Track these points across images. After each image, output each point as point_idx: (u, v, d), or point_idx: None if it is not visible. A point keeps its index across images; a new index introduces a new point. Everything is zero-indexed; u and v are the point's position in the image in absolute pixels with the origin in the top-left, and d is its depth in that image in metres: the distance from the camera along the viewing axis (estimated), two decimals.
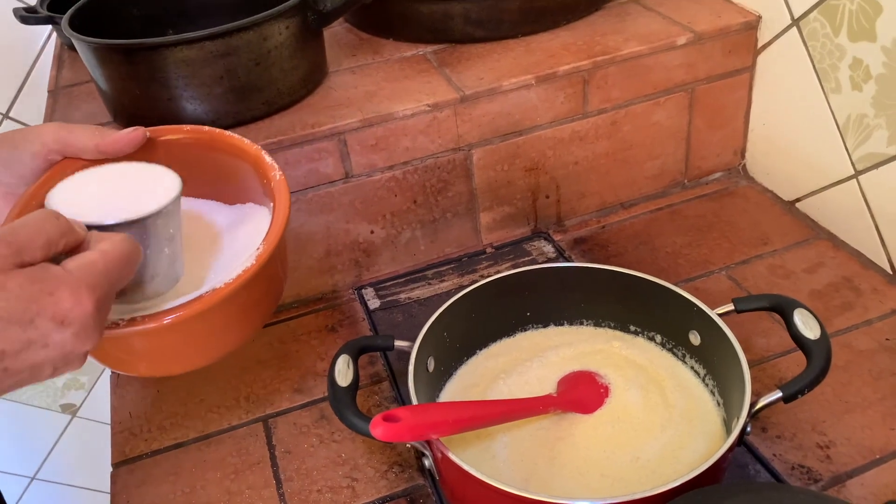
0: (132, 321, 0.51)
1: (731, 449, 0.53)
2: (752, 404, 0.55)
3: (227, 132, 0.63)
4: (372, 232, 0.84)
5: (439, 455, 0.55)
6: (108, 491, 0.67)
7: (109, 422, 0.74)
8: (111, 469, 0.69)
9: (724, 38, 0.88)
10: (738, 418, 0.55)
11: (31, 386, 1.65)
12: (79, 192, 0.52)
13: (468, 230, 0.89)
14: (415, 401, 0.58)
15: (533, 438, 0.61)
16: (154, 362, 0.58)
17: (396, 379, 0.75)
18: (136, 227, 0.49)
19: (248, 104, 0.77)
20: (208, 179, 0.63)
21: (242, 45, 0.73)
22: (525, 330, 0.71)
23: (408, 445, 0.67)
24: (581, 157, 0.89)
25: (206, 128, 0.63)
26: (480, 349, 0.70)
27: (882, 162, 0.77)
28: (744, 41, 0.89)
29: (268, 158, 0.61)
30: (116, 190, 0.53)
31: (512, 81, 0.81)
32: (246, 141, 0.62)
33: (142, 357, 0.57)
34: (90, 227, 0.47)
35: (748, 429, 0.56)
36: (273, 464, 0.68)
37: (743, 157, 0.98)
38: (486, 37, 0.88)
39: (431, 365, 0.65)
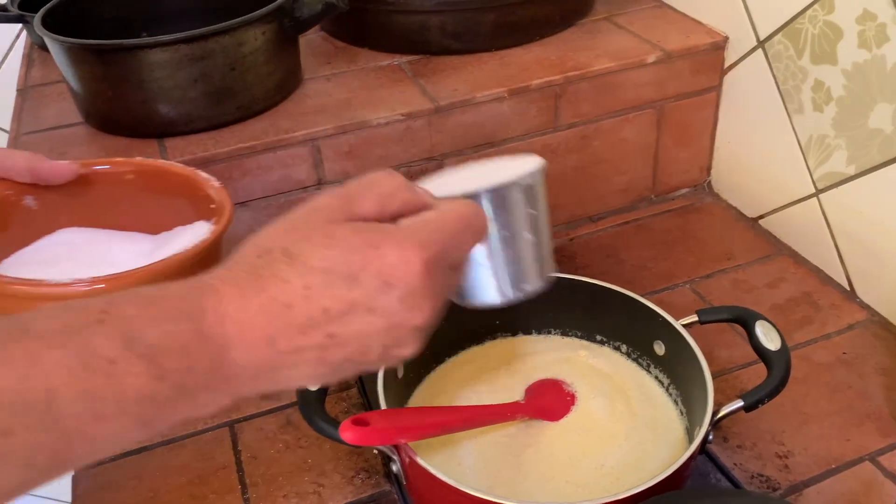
0: (78, 281, 0.50)
1: (693, 456, 0.54)
2: (714, 413, 0.56)
3: (161, 161, 0.65)
4: None
5: (407, 460, 0.56)
6: (66, 499, 0.66)
7: None
8: (72, 473, 0.68)
9: (693, 57, 0.90)
10: (700, 426, 0.56)
11: None
12: (447, 179, 0.48)
13: None
14: (384, 406, 0.58)
15: (499, 445, 0.62)
16: None
17: (365, 386, 0.75)
18: (487, 198, 0.43)
19: (223, 108, 0.77)
20: (136, 210, 0.64)
21: (218, 49, 0.73)
22: (494, 338, 0.72)
23: (375, 451, 0.67)
24: (551, 170, 0.89)
25: (138, 159, 0.64)
26: (450, 356, 0.70)
27: (841, 181, 0.80)
28: (711, 61, 0.91)
29: (203, 174, 0.63)
30: (481, 174, 0.49)
31: (485, 94, 0.82)
32: (178, 164, 0.64)
33: None
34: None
35: (710, 437, 0.57)
36: (238, 469, 0.68)
37: (709, 173, 1.00)
38: (460, 49, 0.89)
39: (401, 371, 0.65)
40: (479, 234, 0.42)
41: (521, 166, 0.47)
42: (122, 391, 0.30)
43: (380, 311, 0.36)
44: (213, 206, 0.61)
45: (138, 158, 0.65)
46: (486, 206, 0.43)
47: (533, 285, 0.47)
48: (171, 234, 0.64)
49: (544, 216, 0.47)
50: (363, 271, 0.36)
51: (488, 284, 0.45)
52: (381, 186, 0.39)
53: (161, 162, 0.66)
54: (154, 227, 0.65)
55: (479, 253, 0.44)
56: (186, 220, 0.64)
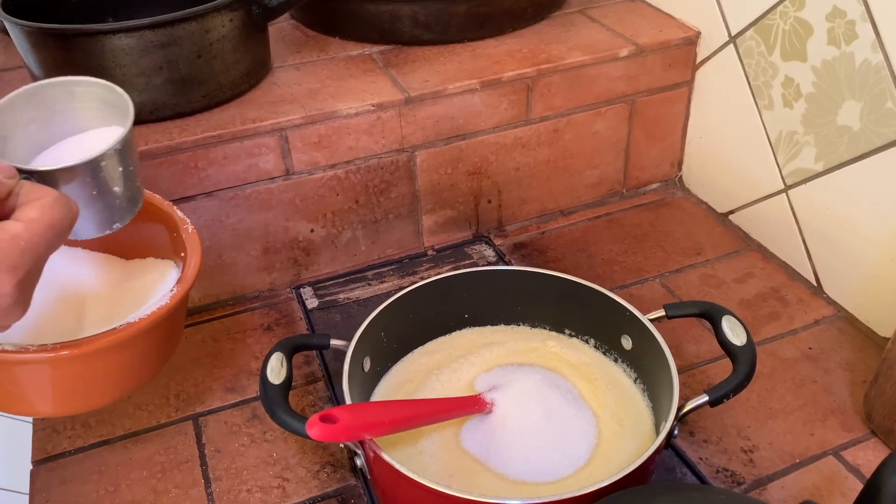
0: (42, 348, 0.50)
1: (658, 451, 0.54)
2: (680, 408, 0.56)
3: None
4: (312, 231, 0.84)
5: (371, 454, 0.55)
6: (26, 491, 0.65)
7: (30, 418, 0.72)
8: (31, 467, 0.67)
9: (665, 52, 0.90)
10: (665, 421, 0.56)
11: None
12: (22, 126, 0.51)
13: (410, 232, 0.89)
14: (349, 401, 0.57)
15: (463, 437, 0.61)
16: (51, 397, 0.56)
17: (332, 379, 0.74)
18: (75, 173, 0.47)
19: (189, 96, 0.75)
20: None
21: (184, 36, 0.72)
22: (461, 329, 0.72)
23: (341, 445, 0.67)
24: (523, 164, 0.90)
25: None
26: (417, 347, 0.70)
27: (810, 178, 0.80)
28: (683, 56, 0.91)
29: (179, 213, 0.62)
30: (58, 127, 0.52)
31: (457, 85, 0.82)
32: (158, 197, 0.63)
33: (40, 390, 0.55)
34: (24, 173, 0.44)
35: (675, 432, 0.57)
36: (202, 463, 0.67)
37: (680, 168, 1.00)
38: (432, 40, 0.88)
39: (367, 365, 0.64)
40: (69, 228, 0.43)
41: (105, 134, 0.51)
42: None
43: None
44: (183, 254, 0.60)
45: None
46: (83, 173, 0.47)
47: (123, 222, 0.53)
48: (143, 265, 0.64)
49: (132, 167, 0.52)
50: None
51: (87, 227, 0.51)
52: None
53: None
54: (125, 250, 0.64)
55: (80, 205, 0.48)
56: (159, 253, 0.63)
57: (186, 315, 0.66)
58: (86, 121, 0.53)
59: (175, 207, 0.63)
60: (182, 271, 0.59)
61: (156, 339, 0.57)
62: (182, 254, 0.60)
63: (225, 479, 0.65)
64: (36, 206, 0.42)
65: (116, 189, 0.51)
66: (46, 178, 0.46)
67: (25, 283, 0.41)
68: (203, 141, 0.74)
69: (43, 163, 0.51)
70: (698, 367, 0.74)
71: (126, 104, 0.51)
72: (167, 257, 0.63)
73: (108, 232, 0.52)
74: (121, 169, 0.50)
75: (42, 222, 0.41)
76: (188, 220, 0.62)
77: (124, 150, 0.50)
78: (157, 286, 0.60)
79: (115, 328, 0.53)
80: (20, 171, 0.44)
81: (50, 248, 0.42)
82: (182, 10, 0.71)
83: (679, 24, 0.92)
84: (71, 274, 0.60)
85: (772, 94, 0.82)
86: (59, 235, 0.43)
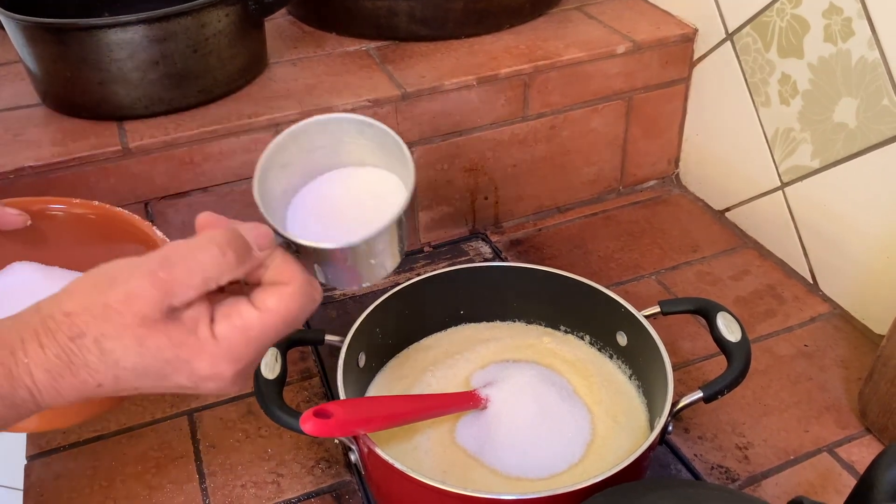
0: None
1: (651, 447, 0.54)
2: (674, 404, 0.56)
3: (118, 208, 0.62)
4: None
5: (366, 450, 0.55)
6: (20, 486, 0.65)
7: None
8: (25, 462, 0.67)
9: (662, 48, 0.90)
10: (660, 417, 0.56)
11: None
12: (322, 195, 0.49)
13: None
14: (343, 397, 0.57)
15: (456, 432, 0.61)
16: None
17: (327, 374, 0.74)
18: (334, 253, 0.44)
19: (184, 91, 0.75)
20: (88, 252, 0.60)
21: (180, 30, 0.72)
22: (457, 325, 0.71)
23: (336, 441, 0.67)
24: (520, 160, 0.90)
25: (96, 202, 0.61)
26: (412, 343, 0.70)
27: (806, 175, 0.80)
28: (681, 53, 0.91)
29: (159, 233, 0.61)
30: (352, 200, 0.49)
31: (453, 81, 0.82)
32: (136, 217, 0.61)
33: None
34: (282, 238, 0.42)
35: (670, 428, 0.57)
36: (197, 458, 0.67)
37: (676, 166, 1.00)
38: (429, 36, 0.88)
39: (362, 360, 0.64)
40: (306, 316, 0.42)
41: (384, 187, 0.49)
42: None
43: (191, 391, 0.40)
44: None
45: (96, 202, 0.62)
46: (343, 252, 0.44)
47: (373, 282, 0.49)
48: None
49: (396, 238, 0.47)
50: (174, 374, 0.38)
51: (344, 281, 0.48)
52: (204, 271, 0.38)
53: (121, 210, 0.63)
54: None
55: (330, 269, 0.46)
56: None
57: None
58: (366, 158, 0.50)
59: (154, 227, 0.61)
60: None
61: None
62: None
63: (219, 475, 0.65)
64: (276, 294, 0.39)
65: (373, 261, 0.47)
66: (303, 248, 0.43)
67: (246, 371, 0.40)
68: (199, 136, 0.73)
69: (308, 201, 0.48)
70: (693, 363, 0.74)
71: (408, 169, 0.46)
72: None
73: (354, 288, 0.50)
74: (381, 247, 0.46)
75: (278, 314, 0.39)
76: (167, 240, 0.60)
77: (393, 226, 0.45)
78: None
79: None
80: (279, 235, 0.42)
81: (279, 337, 0.40)
82: (178, 5, 0.71)
83: (676, 21, 0.92)
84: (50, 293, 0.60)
85: (768, 91, 0.82)
86: (292, 326, 0.40)
